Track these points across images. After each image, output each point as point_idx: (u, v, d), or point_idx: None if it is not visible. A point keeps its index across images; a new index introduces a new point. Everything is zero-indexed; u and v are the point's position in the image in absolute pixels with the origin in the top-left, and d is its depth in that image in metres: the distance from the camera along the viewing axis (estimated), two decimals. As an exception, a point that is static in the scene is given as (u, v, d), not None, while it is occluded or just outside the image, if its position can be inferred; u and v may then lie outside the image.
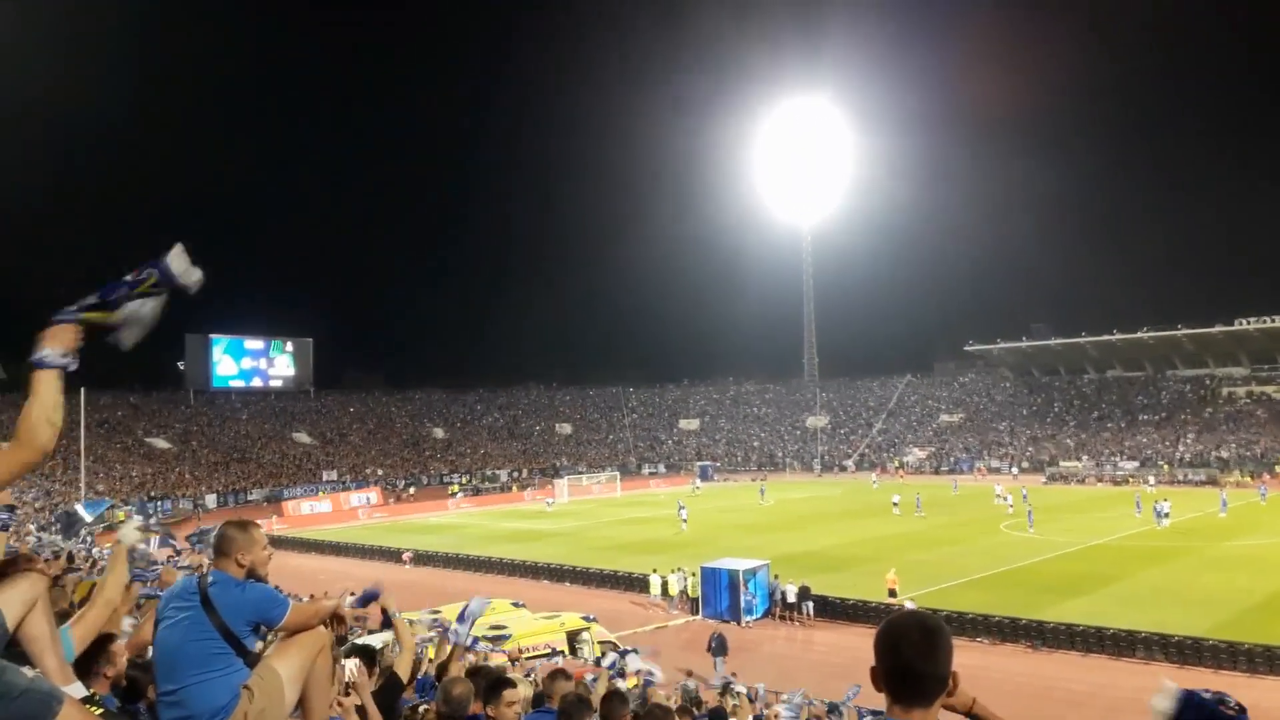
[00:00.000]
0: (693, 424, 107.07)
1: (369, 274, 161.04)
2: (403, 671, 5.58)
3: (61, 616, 4.01)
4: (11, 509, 3.41)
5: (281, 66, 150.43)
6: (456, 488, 76.96)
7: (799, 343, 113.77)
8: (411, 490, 77.03)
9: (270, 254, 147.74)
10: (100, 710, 3.50)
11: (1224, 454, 71.84)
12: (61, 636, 3.60)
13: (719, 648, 23.28)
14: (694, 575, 31.30)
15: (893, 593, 28.32)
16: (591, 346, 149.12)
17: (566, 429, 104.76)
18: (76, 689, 3.43)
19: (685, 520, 47.64)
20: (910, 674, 2.14)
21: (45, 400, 2.60)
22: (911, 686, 2.14)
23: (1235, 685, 20.89)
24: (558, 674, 6.36)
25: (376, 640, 9.24)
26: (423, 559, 42.37)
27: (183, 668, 3.33)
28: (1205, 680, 21.48)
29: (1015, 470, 75.94)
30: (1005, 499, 52.09)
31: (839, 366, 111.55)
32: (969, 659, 22.88)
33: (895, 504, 53.12)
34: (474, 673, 6.64)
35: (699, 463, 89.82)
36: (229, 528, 3.70)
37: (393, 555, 43.46)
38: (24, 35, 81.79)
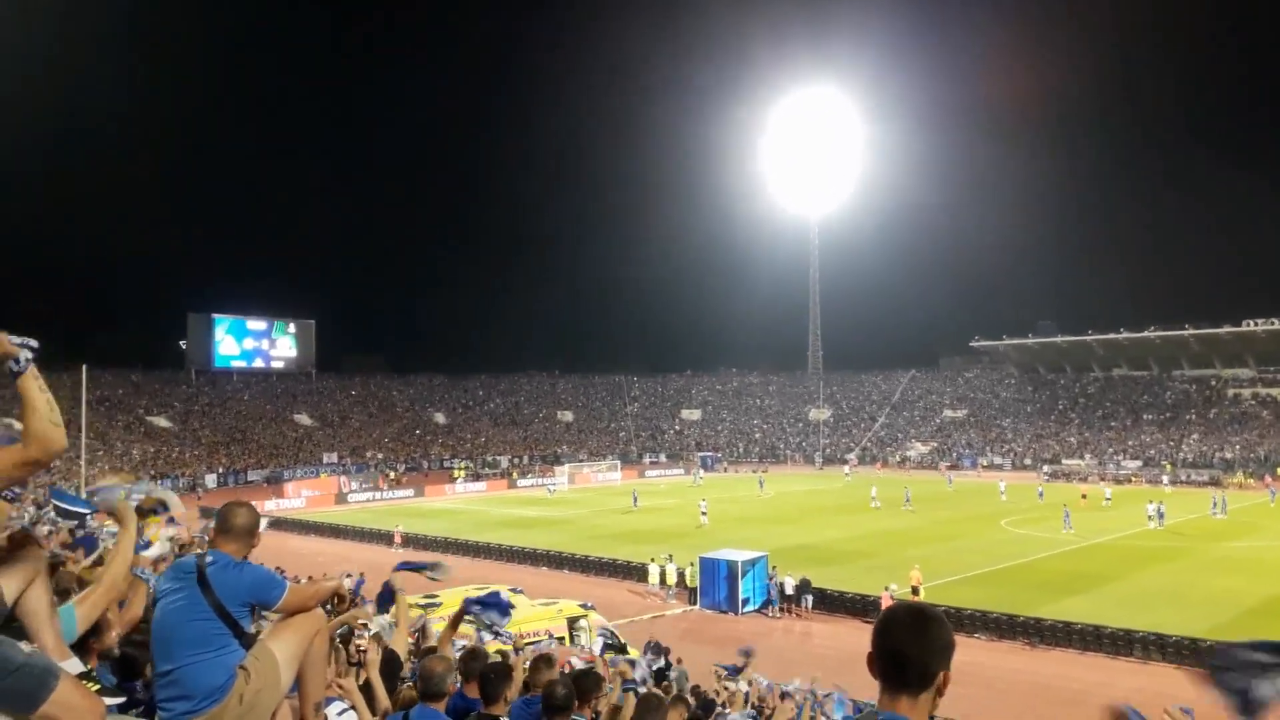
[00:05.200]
0: (695, 414, 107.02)
1: (373, 257, 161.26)
2: (400, 649, 5.58)
3: (64, 595, 4.00)
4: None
5: (289, 50, 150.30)
6: (460, 471, 76.85)
7: (804, 335, 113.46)
8: (402, 473, 76.67)
9: (275, 236, 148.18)
10: (97, 686, 3.48)
11: (1228, 455, 71.74)
12: (67, 613, 3.59)
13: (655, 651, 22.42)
14: (692, 565, 31.31)
15: (915, 590, 28.14)
16: (595, 335, 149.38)
17: (568, 417, 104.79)
18: (74, 665, 3.42)
19: (705, 514, 46.99)
20: (897, 657, 2.13)
21: (38, 406, 2.60)
22: (897, 671, 2.12)
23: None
24: (541, 661, 6.37)
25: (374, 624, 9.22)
26: (418, 544, 42.23)
27: (179, 647, 3.32)
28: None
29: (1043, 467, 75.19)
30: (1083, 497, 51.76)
31: (843, 359, 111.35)
32: (966, 655, 22.78)
33: (874, 498, 53.17)
34: (472, 656, 6.63)
35: (700, 453, 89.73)
36: (231, 508, 3.69)
37: (388, 539, 43.43)
38: (22, 21, 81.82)
